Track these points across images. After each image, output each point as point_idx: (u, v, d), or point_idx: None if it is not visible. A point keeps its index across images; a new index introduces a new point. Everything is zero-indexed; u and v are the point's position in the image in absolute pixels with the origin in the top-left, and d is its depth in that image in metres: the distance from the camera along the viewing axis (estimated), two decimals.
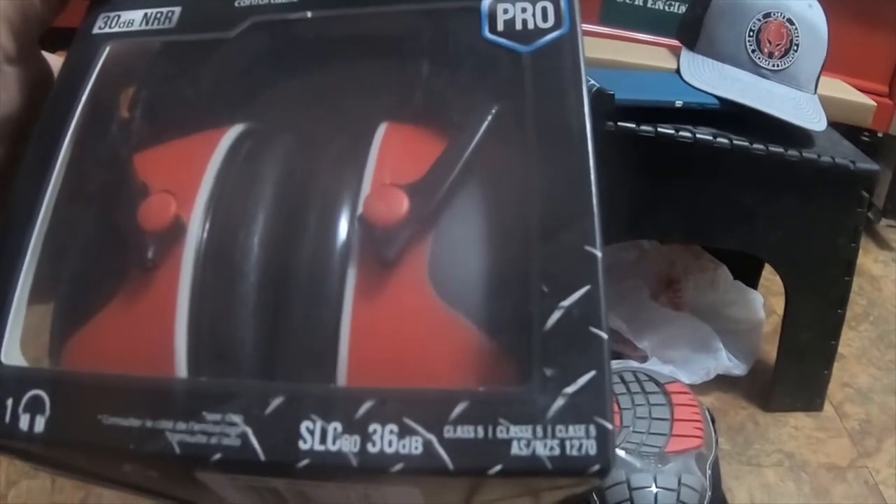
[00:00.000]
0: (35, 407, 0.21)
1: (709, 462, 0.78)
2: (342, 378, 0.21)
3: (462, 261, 0.22)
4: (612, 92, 0.83)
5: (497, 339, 0.21)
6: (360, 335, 0.21)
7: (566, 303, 0.19)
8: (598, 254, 0.20)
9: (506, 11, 0.24)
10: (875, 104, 1.32)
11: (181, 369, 0.22)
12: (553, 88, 0.22)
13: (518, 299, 0.20)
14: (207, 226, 0.23)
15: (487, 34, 0.24)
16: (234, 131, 0.25)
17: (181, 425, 0.20)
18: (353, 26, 0.27)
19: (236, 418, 0.20)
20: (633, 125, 0.87)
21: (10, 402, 0.21)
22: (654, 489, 0.72)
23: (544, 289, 0.20)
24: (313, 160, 0.25)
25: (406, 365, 0.21)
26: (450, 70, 0.26)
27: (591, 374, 0.19)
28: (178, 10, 0.27)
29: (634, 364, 0.99)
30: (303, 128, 0.26)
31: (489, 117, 0.23)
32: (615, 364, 0.92)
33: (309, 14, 0.26)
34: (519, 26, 0.24)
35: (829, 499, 0.94)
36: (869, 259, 1.53)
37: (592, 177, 0.21)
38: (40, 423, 0.21)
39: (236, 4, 0.26)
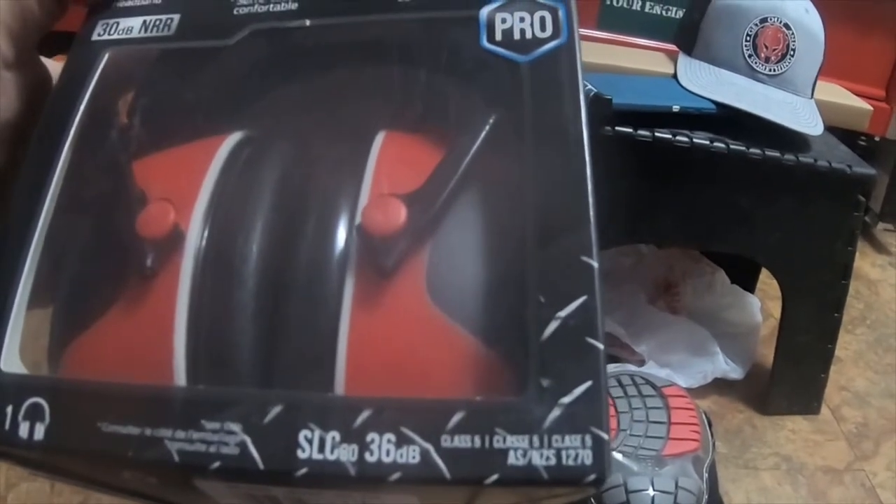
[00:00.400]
0: (35, 414, 0.21)
1: (706, 465, 0.78)
2: (340, 387, 0.21)
3: (459, 270, 0.22)
4: (609, 97, 0.83)
5: (494, 348, 0.21)
6: (359, 344, 0.21)
7: (563, 313, 0.19)
8: (595, 264, 0.20)
9: (504, 21, 0.24)
10: (871, 108, 1.33)
11: (180, 377, 0.22)
12: (551, 98, 0.22)
13: (515, 309, 0.20)
14: (206, 234, 0.23)
15: (485, 43, 0.24)
16: (232, 139, 0.25)
17: (180, 433, 0.20)
18: (352, 35, 0.27)
19: (235, 427, 0.20)
20: (631, 130, 0.87)
21: (9, 409, 0.21)
22: (651, 492, 0.72)
23: (541, 299, 0.20)
24: (312, 168, 0.25)
25: (404, 374, 0.21)
26: (448, 79, 0.26)
27: (588, 384, 0.19)
28: (177, 17, 0.27)
29: (632, 368, 0.99)
30: (301, 135, 0.26)
31: (487, 127, 0.23)
32: (612, 368, 0.92)
33: (308, 22, 0.26)
34: (517, 36, 0.24)
35: (827, 501, 0.94)
36: (866, 263, 1.54)
37: (589, 188, 0.21)
38: (40, 431, 0.21)
39: (235, 12, 0.26)
